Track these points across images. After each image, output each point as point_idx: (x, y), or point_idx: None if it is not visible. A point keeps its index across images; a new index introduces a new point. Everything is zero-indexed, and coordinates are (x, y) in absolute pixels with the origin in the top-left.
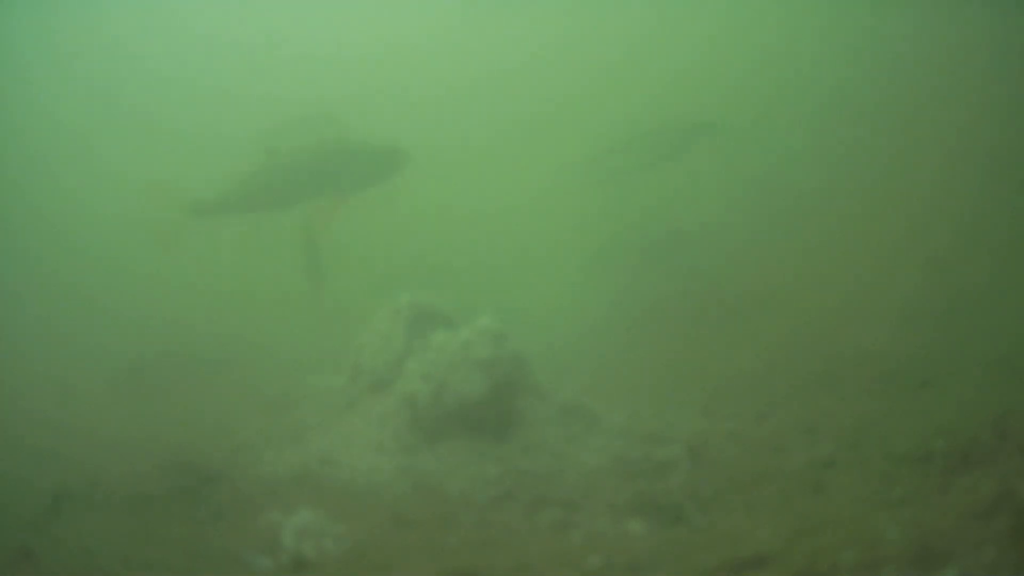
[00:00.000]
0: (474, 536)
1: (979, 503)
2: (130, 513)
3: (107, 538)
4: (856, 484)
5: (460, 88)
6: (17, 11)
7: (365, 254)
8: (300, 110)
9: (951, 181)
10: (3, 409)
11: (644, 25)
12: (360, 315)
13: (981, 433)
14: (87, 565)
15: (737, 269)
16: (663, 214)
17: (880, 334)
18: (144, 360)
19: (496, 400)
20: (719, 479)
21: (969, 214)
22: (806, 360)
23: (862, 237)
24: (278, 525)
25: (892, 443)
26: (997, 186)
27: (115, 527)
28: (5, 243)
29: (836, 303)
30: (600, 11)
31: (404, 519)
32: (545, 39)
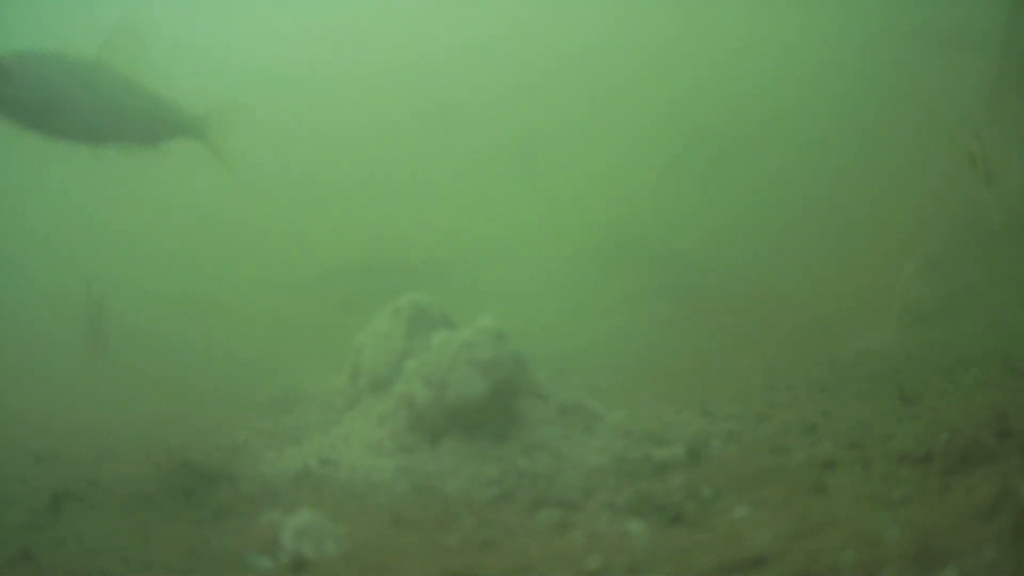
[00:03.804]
0: (474, 536)
1: (979, 503)
2: (130, 513)
3: (107, 538)
4: (856, 484)
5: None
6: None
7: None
8: None
9: (951, 181)
10: (2, 409)
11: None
12: (360, 315)
13: (981, 433)
14: (87, 565)
15: (738, 271)
16: (666, 220)
17: (880, 334)
18: (143, 359)
19: (496, 400)
20: (719, 479)
21: (970, 214)
22: (806, 360)
23: (862, 238)
24: (278, 525)
25: (892, 443)
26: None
27: (115, 527)
28: (3, 247)
29: (836, 303)
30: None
31: (404, 519)
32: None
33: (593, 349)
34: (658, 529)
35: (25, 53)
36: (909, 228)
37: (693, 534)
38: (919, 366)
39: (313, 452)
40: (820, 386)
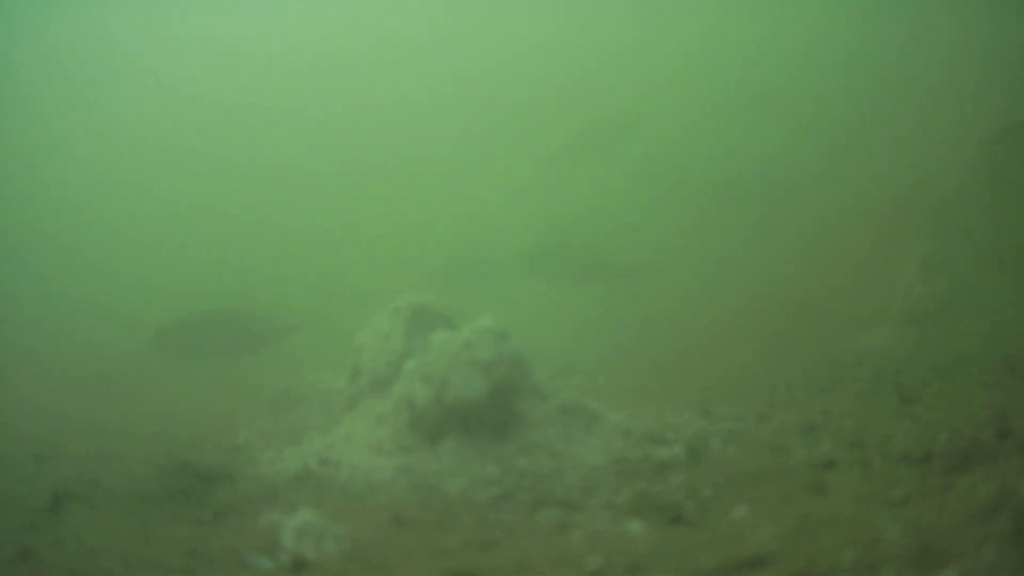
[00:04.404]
0: (474, 536)
1: (979, 503)
2: (130, 513)
3: (107, 538)
4: (856, 484)
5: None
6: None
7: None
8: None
9: (950, 180)
10: (3, 409)
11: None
12: (360, 315)
13: (981, 433)
14: (87, 565)
15: (737, 271)
16: (660, 217)
17: (880, 334)
18: (142, 359)
19: (496, 400)
20: (719, 479)
21: (968, 213)
22: (806, 360)
23: (861, 237)
24: (278, 525)
25: (892, 443)
26: (996, 185)
27: (115, 527)
28: (4, 246)
29: (836, 303)
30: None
31: (404, 519)
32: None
33: (592, 347)
34: (658, 529)
35: None
36: (909, 228)
37: (693, 534)
38: (919, 366)
39: (313, 452)
40: (820, 386)
